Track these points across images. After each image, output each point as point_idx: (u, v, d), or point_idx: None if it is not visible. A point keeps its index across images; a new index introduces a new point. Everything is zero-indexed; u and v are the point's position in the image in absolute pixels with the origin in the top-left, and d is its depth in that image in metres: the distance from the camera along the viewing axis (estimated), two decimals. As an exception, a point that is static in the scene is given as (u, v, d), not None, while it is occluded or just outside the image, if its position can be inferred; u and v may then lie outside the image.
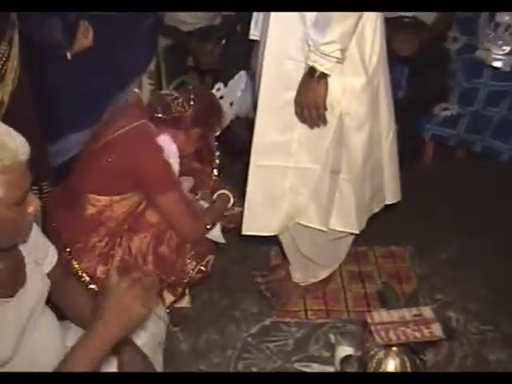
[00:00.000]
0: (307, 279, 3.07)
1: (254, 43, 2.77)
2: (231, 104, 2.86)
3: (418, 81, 3.93)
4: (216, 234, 2.83)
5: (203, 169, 2.88)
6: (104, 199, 2.56)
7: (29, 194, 1.71)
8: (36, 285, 1.96)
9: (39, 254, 2.02)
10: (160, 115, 2.60)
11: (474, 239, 3.42)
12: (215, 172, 2.88)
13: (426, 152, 4.18)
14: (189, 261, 2.69)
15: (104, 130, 2.59)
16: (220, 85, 2.87)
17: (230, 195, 2.85)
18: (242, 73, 2.89)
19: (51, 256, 2.09)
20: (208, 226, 2.71)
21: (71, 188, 2.62)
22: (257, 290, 3.15)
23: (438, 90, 3.96)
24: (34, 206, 1.72)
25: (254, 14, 2.73)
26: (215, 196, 2.85)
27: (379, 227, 3.27)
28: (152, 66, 3.59)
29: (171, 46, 4.00)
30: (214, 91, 2.86)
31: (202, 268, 2.74)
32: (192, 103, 2.63)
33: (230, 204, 2.85)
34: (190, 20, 4.09)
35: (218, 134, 2.82)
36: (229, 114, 2.86)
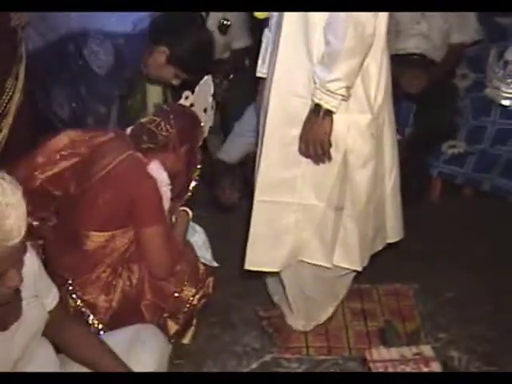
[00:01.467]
0: (310, 324, 3.07)
1: (261, 80, 2.79)
2: (205, 110, 2.83)
3: (426, 118, 3.93)
4: (208, 257, 2.85)
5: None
6: (106, 235, 2.54)
7: (13, 272, 1.69)
8: (33, 318, 1.98)
9: (41, 289, 2.03)
10: (148, 145, 2.58)
11: (481, 278, 3.39)
12: (193, 183, 2.85)
13: (432, 189, 4.18)
14: (186, 288, 2.69)
15: (93, 169, 2.54)
16: (187, 93, 2.82)
17: (189, 211, 2.82)
18: (207, 77, 2.86)
19: (53, 296, 2.12)
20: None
21: (70, 228, 2.59)
22: (259, 325, 3.14)
23: (446, 127, 3.96)
24: (13, 282, 1.71)
25: (261, 51, 2.76)
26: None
27: (384, 265, 3.28)
28: (160, 100, 3.62)
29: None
30: (182, 100, 2.81)
31: (203, 294, 2.75)
32: (174, 122, 2.60)
33: (190, 218, 2.83)
34: (198, 54, 4.13)
35: (200, 143, 2.79)
36: (206, 120, 2.82)
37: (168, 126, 2.59)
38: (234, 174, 3.53)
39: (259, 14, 2.63)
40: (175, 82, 3.18)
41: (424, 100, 3.94)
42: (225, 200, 3.51)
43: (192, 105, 2.81)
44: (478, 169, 3.99)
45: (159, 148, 2.59)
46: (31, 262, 1.95)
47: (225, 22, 4.03)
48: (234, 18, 3.99)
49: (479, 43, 4.11)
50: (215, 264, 2.88)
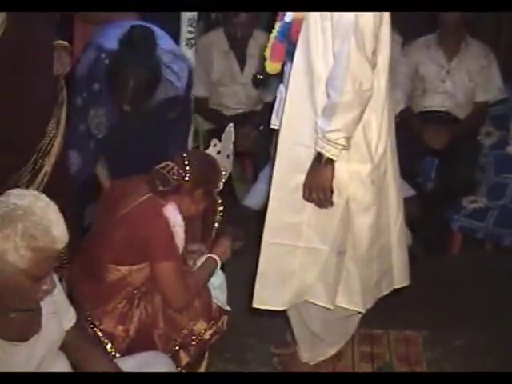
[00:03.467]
0: (316, 358, 3.18)
1: (275, 132, 2.97)
2: (228, 156, 3.00)
3: (448, 172, 4.08)
4: (222, 300, 2.99)
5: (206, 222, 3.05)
6: (123, 269, 2.75)
7: (51, 277, 1.95)
8: (51, 333, 2.17)
9: (59, 309, 2.23)
10: (161, 188, 2.75)
11: (490, 330, 3.45)
12: (216, 225, 3.05)
13: (453, 243, 4.26)
14: (198, 322, 2.84)
15: (115, 207, 2.77)
16: (215, 141, 2.99)
17: (217, 257, 2.97)
18: (231, 125, 3.04)
19: (70, 316, 2.30)
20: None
21: (91, 259, 2.81)
22: (270, 363, 3.27)
23: (467, 182, 4.09)
24: (48, 286, 1.94)
25: (276, 105, 2.97)
26: (203, 259, 2.97)
27: (397, 312, 3.45)
28: (191, 147, 3.85)
29: (212, 130, 4.25)
30: (211, 148, 2.98)
31: (216, 330, 2.90)
32: (188, 168, 2.76)
33: (218, 268, 2.98)
34: (233, 105, 4.39)
35: (220, 188, 2.96)
36: (227, 166, 2.99)
37: (181, 171, 2.76)
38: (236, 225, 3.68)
39: (271, 69, 2.83)
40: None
41: (447, 155, 4.09)
42: None
43: (219, 152, 3.01)
44: (499, 224, 4.08)
45: (173, 191, 2.77)
46: None
47: (258, 76, 4.26)
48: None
49: (503, 102, 4.25)
50: (228, 308, 3.02)
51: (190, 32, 3.73)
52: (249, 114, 4.40)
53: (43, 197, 1.94)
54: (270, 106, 4.19)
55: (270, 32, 2.84)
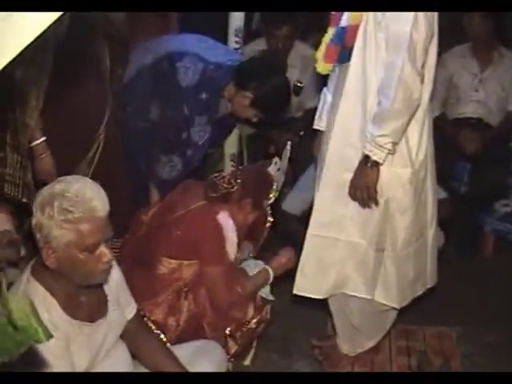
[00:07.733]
0: (355, 350, 3.36)
1: (318, 132, 3.20)
2: (283, 171, 3.17)
3: (480, 177, 4.23)
4: (266, 291, 3.19)
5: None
6: (175, 262, 2.98)
7: (104, 247, 2.15)
8: (114, 320, 2.39)
9: (121, 298, 2.45)
10: (212, 194, 3.01)
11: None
12: (264, 235, 3.24)
13: (486, 245, 4.42)
14: (243, 310, 3.04)
15: (174, 207, 3.04)
16: (276, 159, 3.19)
17: (271, 271, 3.16)
18: (289, 143, 3.23)
19: (132, 307, 2.53)
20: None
21: (145, 251, 3.05)
22: (312, 354, 3.46)
23: (499, 186, 4.26)
24: (107, 257, 2.16)
25: (319, 107, 3.18)
26: (256, 271, 3.17)
27: (432, 309, 3.64)
28: (235, 151, 4.08)
29: (254, 135, 4.43)
30: (272, 165, 3.15)
31: (261, 318, 3.10)
32: (238, 178, 3.03)
33: (270, 279, 3.17)
34: (275, 112, 4.56)
35: (271, 200, 3.13)
36: (280, 180, 3.16)
37: (231, 180, 3.03)
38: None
39: (322, 70, 3.00)
40: (255, 119, 3.56)
41: (479, 160, 4.25)
42: None
43: (279, 169, 3.19)
44: (530, 227, 4.25)
45: (224, 199, 3.01)
46: (115, 272, 2.40)
47: (298, 84, 4.46)
48: (307, 80, 4.42)
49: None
50: (271, 298, 3.22)
51: (236, 42, 3.93)
52: (289, 121, 4.58)
53: (82, 178, 2.19)
54: (309, 113, 4.46)
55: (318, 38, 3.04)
